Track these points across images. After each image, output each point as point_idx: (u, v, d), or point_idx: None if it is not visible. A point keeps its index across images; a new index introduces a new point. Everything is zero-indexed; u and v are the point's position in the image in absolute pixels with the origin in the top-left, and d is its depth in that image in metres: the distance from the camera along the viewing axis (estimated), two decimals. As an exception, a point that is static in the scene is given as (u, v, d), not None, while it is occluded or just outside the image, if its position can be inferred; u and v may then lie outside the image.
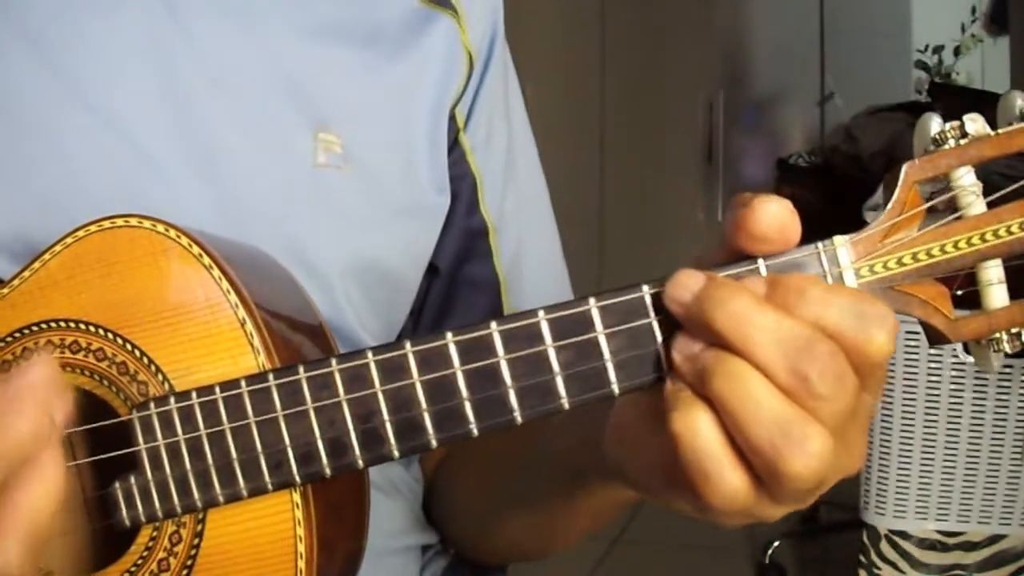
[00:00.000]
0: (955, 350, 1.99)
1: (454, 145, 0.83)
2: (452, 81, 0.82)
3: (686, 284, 0.51)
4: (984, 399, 2.03)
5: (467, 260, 0.85)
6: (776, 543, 2.72)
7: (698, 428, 0.50)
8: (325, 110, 0.76)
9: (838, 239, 0.51)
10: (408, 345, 0.54)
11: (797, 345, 0.48)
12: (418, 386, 0.54)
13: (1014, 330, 0.51)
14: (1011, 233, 0.50)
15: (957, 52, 4.45)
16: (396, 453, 0.54)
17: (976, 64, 4.41)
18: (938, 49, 4.46)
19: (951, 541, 2.09)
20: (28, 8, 0.71)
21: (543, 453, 0.73)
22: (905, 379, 2.04)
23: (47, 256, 0.61)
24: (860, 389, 0.50)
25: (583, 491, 0.69)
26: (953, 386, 2.03)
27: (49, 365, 0.55)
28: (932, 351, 2.00)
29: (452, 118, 0.82)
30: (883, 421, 2.07)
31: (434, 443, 0.54)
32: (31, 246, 0.63)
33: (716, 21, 4.12)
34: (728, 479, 0.50)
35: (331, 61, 0.78)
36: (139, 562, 0.59)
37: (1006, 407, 2.03)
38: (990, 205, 0.51)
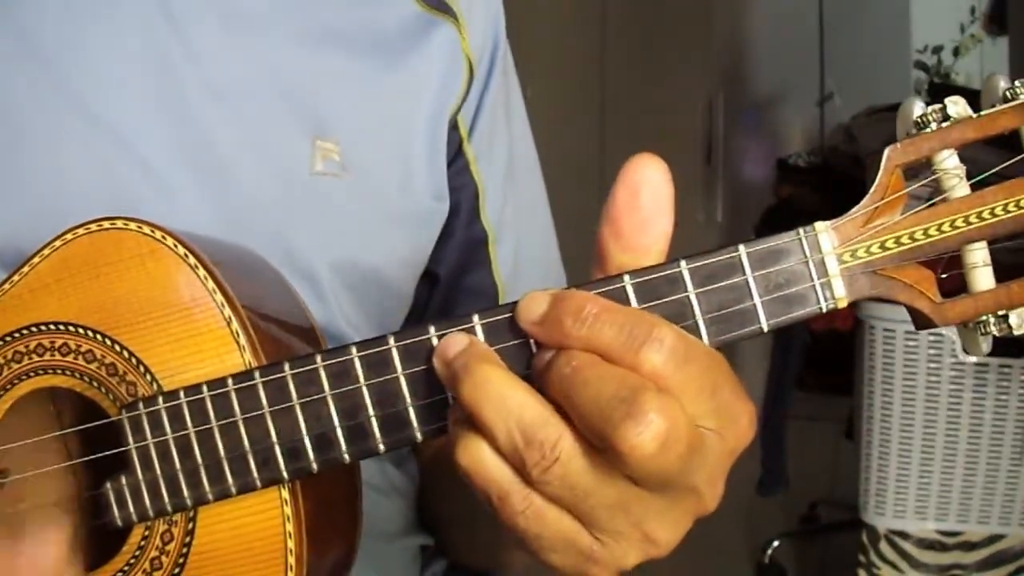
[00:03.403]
0: (954, 350, 1.99)
1: (458, 154, 0.83)
2: (452, 88, 0.81)
3: (445, 346, 0.52)
4: (983, 399, 2.02)
5: (467, 269, 0.85)
6: (776, 543, 2.70)
7: (482, 456, 0.50)
8: (323, 117, 0.76)
9: (820, 225, 0.51)
10: (392, 340, 0.54)
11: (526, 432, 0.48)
12: (402, 380, 0.54)
13: (1001, 312, 0.51)
14: (995, 215, 0.50)
15: (956, 52, 4.44)
16: (381, 447, 0.55)
17: (975, 64, 4.40)
18: (937, 49, 4.45)
19: (950, 541, 2.08)
20: (28, 17, 0.70)
21: None
22: (904, 379, 2.03)
23: (36, 260, 0.61)
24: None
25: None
26: (952, 386, 2.03)
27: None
28: (931, 351, 2.00)
29: (454, 126, 0.82)
30: (882, 421, 2.06)
31: (419, 436, 0.54)
32: (25, 255, 0.62)
33: (716, 21, 4.11)
34: (524, 496, 0.50)
35: (330, 68, 0.77)
36: (132, 561, 0.59)
37: (1005, 407, 2.02)
38: (973, 188, 0.50)
